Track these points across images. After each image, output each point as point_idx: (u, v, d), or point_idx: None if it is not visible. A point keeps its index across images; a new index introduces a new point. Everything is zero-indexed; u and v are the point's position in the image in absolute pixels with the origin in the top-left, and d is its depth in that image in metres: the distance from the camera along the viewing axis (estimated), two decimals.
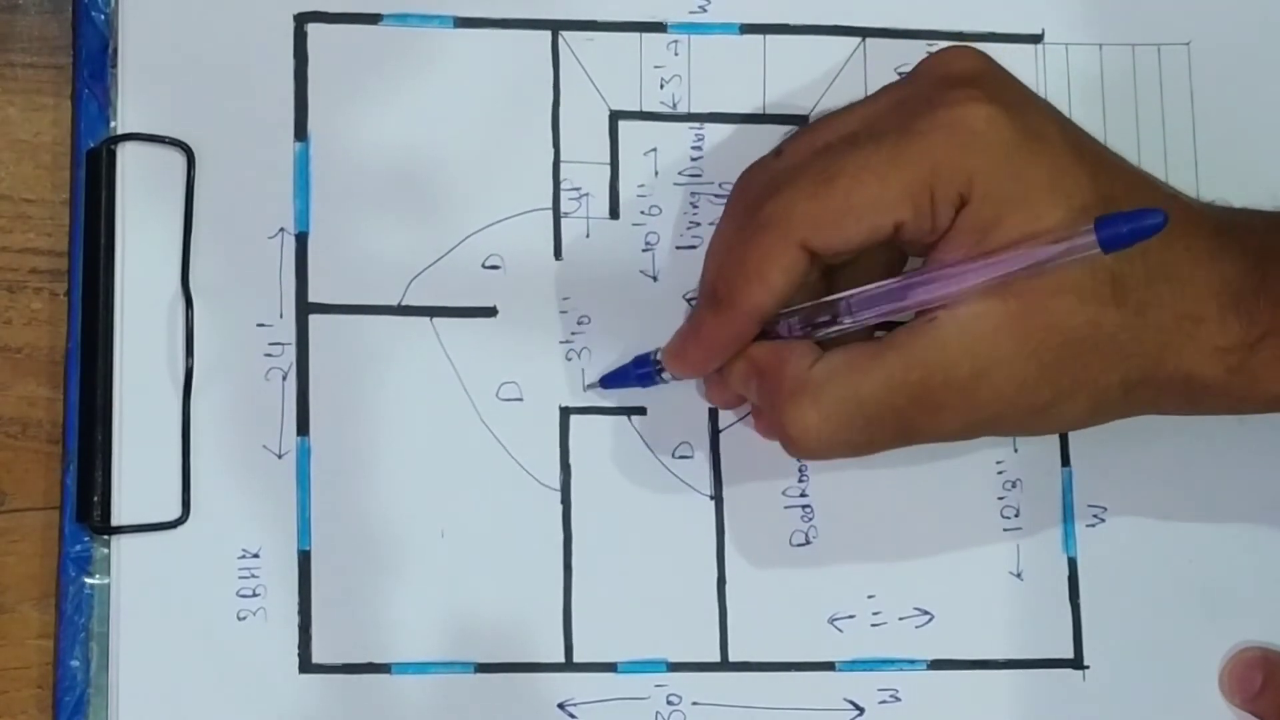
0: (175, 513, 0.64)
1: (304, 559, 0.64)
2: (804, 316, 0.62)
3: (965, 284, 0.59)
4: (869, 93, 0.68)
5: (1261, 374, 0.62)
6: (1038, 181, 0.59)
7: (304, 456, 0.65)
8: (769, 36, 0.69)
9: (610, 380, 0.66)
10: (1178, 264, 0.61)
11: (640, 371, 0.65)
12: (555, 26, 0.68)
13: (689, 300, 0.67)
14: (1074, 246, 0.58)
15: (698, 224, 0.68)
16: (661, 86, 0.68)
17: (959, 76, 0.61)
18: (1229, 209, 0.64)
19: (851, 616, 0.67)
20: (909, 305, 0.60)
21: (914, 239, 0.60)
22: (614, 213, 0.67)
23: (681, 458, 0.66)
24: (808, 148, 0.62)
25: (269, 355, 0.65)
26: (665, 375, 0.65)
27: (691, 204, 0.68)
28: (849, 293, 0.61)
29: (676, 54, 0.69)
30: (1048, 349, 0.59)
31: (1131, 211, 0.57)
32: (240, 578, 0.64)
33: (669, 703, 0.65)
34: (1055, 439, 0.68)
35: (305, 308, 0.65)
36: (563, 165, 0.67)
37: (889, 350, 0.60)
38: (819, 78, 0.68)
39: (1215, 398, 0.62)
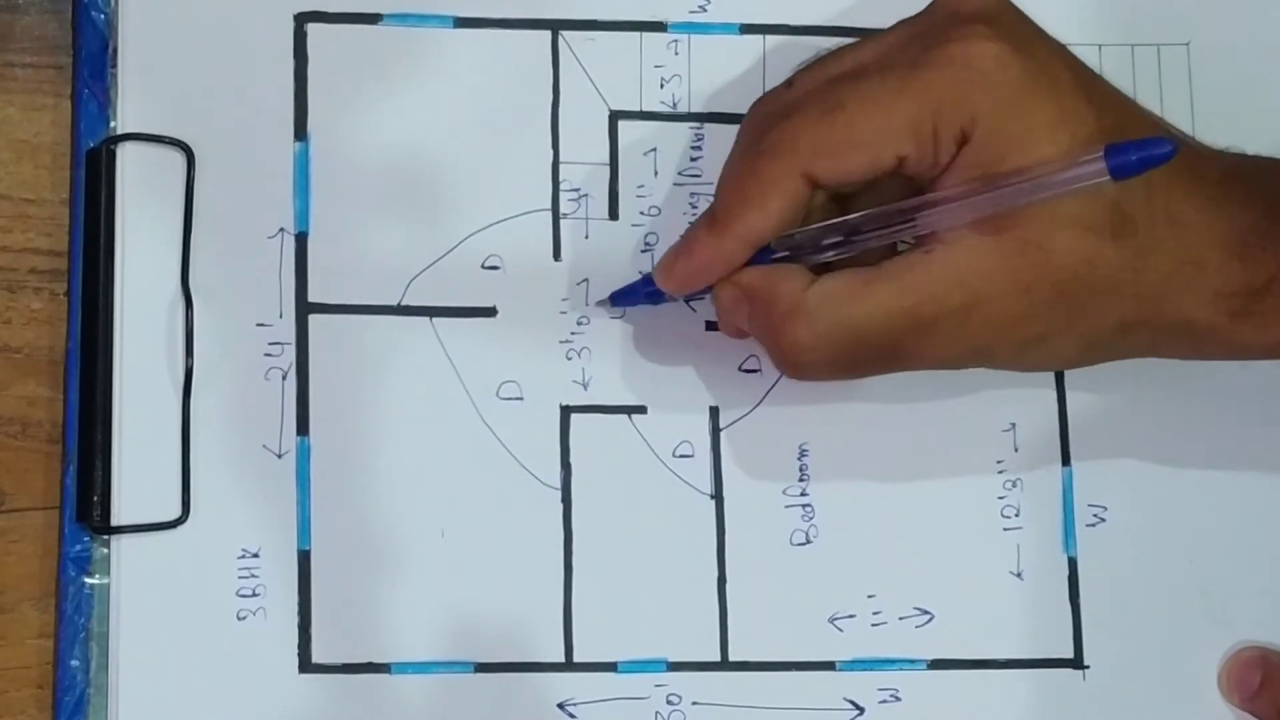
0: (175, 513, 0.64)
1: (304, 559, 0.64)
2: (799, 240, 0.61)
3: (966, 211, 0.59)
4: None
5: (1269, 320, 0.61)
6: (1042, 122, 0.59)
7: (304, 456, 0.65)
8: (769, 36, 0.69)
9: (620, 297, 0.66)
10: (1181, 208, 0.60)
11: (649, 289, 0.64)
12: (555, 26, 0.68)
13: (686, 301, 0.67)
14: (1081, 174, 0.57)
15: None
16: (661, 86, 0.68)
17: (970, 13, 0.60)
18: (1240, 155, 0.64)
19: (851, 616, 0.67)
20: (906, 230, 0.60)
21: (917, 173, 0.60)
22: (613, 213, 0.67)
23: (682, 456, 0.66)
24: (817, 79, 0.62)
25: (269, 355, 0.65)
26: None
27: (691, 204, 0.68)
28: (845, 217, 0.61)
29: (676, 54, 0.69)
30: (1041, 286, 0.59)
31: (1141, 140, 0.57)
32: (240, 577, 0.64)
33: (669, 702, 0.65)
34: (1056, 435, 0.68)
35: (305, 308, 0.65)
36: (562, 166, 0.67)
37: (883, 277, 0.60)
38: None
39: (1217, 343, 0.62)
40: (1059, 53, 0.61)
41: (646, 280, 0.64)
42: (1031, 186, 0.58)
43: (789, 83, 0.63)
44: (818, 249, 0.61)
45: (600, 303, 0.66)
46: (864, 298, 0.60)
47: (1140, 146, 0.56)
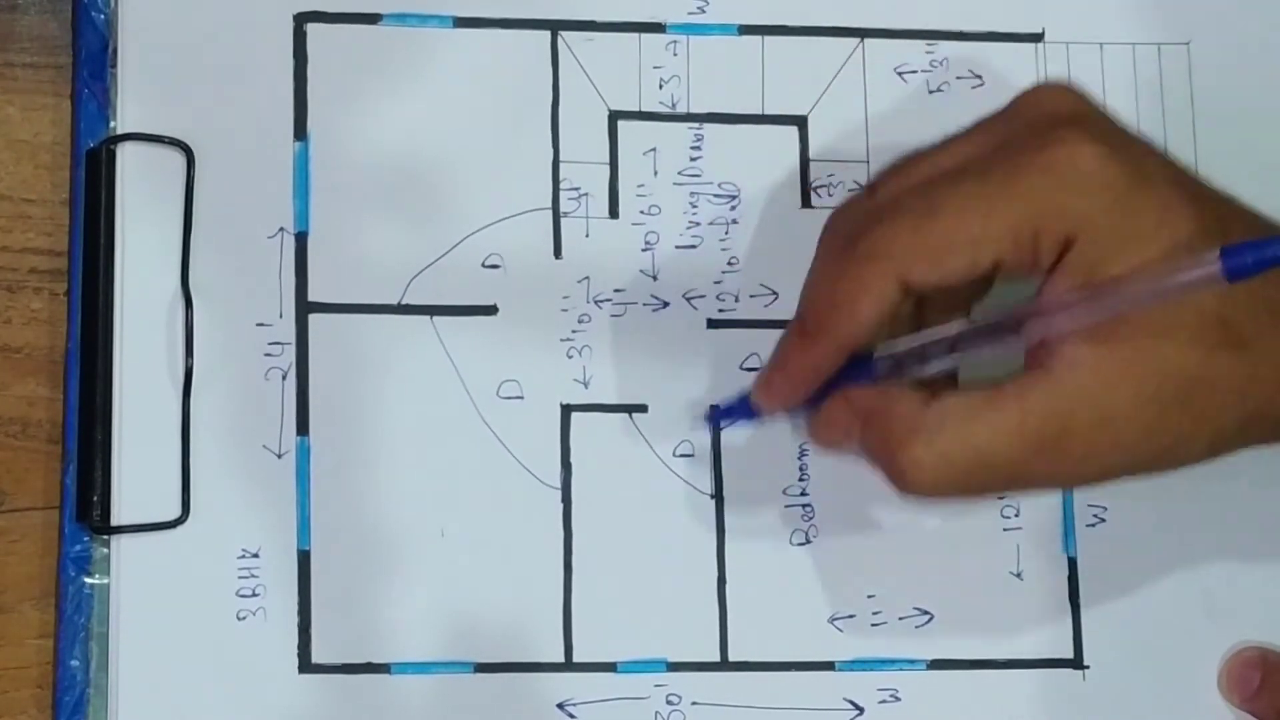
0: (175, 512, 0.64)
1: (304, 559, 0.64)
2: (903, 353, 0.61)
3: (1075, 319, 0.58)
4: (868, 93, 0.69)
5: None
6: (1146, 222, 0.58)
7: (304, 456, 0.65)
8: (768, 37, 0.69)
9: (720, 415, 0.66)
10: None
11: (750, 410, 0.64)
12: (555, 26, 0.68)
13: (687, 300, 0.67)
14: (1198, 276, 0.56)
15: (697, 224, 0.68)
16: (660, 87, 0.68)
17: (1061, 115, 0.60)
18: None
19: (851, 616, 0.66)
20: (1014, 341, 0.59)
21: (1011, 275, 0.59)
22: (613, 212, 0.67)
23: (682, 456, 0.66)
24: (904, 183, 0.61)
25: (269, 355, 0.65)
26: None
27: (690, 204, 0.68)
28: (954, 328, 0.60)
29: (675, 54, 0.69)
30: (1166, 391, 0.58)
31: (1258, 241, 0.55)
32: (240, 577, 0.64)
33: (669, 702, 0.65)
34: None
35: (305, 307, 0.65)
36: (562, 165, 0.67)
37: (1006, 398, 0.58)
38: (818, 78, 0.69)
39: None
40: (1151, 150, 0.61)
41: (745, 400, 0.64)
42: (1146, 292, 0.57)
43: (870, 188, 0.62)
44: (922, 360, 0.61)
45: (699, 419, 0.66)
46: (987, 419, 0.58)
47: (1256, 248, 0.55)
